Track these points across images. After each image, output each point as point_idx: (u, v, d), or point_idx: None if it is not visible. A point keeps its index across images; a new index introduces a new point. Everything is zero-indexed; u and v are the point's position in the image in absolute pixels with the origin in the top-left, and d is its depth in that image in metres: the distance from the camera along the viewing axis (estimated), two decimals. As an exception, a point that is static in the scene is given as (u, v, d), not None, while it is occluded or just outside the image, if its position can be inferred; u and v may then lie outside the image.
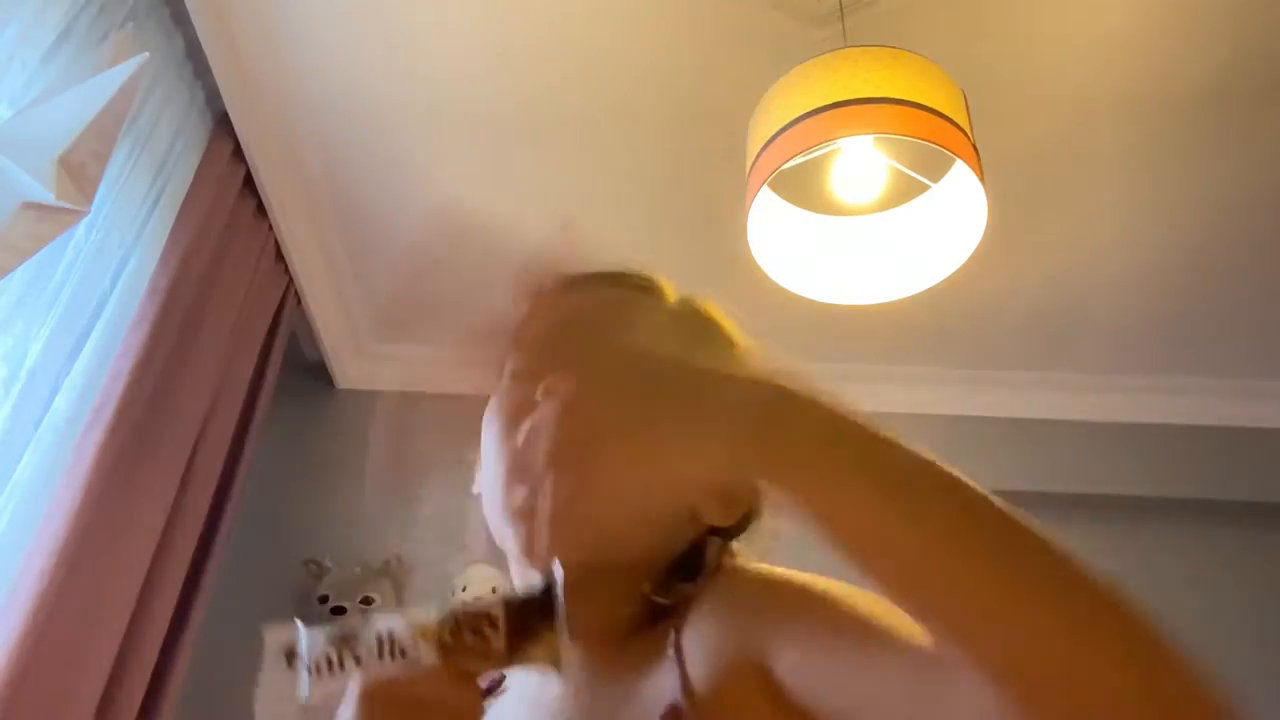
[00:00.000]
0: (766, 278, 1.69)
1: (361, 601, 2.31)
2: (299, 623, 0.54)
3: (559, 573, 0.52)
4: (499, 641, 0.52)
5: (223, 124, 2.01)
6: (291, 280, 2.37)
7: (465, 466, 0.77)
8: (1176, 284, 2.43)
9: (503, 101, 2.04)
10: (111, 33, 1.56)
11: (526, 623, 0.52)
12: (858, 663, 0.52)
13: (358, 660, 0.53)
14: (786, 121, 1.46)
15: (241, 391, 2.10)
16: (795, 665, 0.54)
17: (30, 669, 1.36)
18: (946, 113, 1.44)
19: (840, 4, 1.80)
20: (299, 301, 2.44)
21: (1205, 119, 2.03)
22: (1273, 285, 2.43)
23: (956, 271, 1.68)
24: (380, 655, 0.53)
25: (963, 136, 1.46)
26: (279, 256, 2.30)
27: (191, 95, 1.92)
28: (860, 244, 1.77)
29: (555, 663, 0.52)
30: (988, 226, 1.57)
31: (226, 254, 1.99)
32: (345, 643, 0.53)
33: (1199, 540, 2.60)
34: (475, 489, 0.74)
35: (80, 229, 1.60)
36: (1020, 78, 1.96)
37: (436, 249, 2.40)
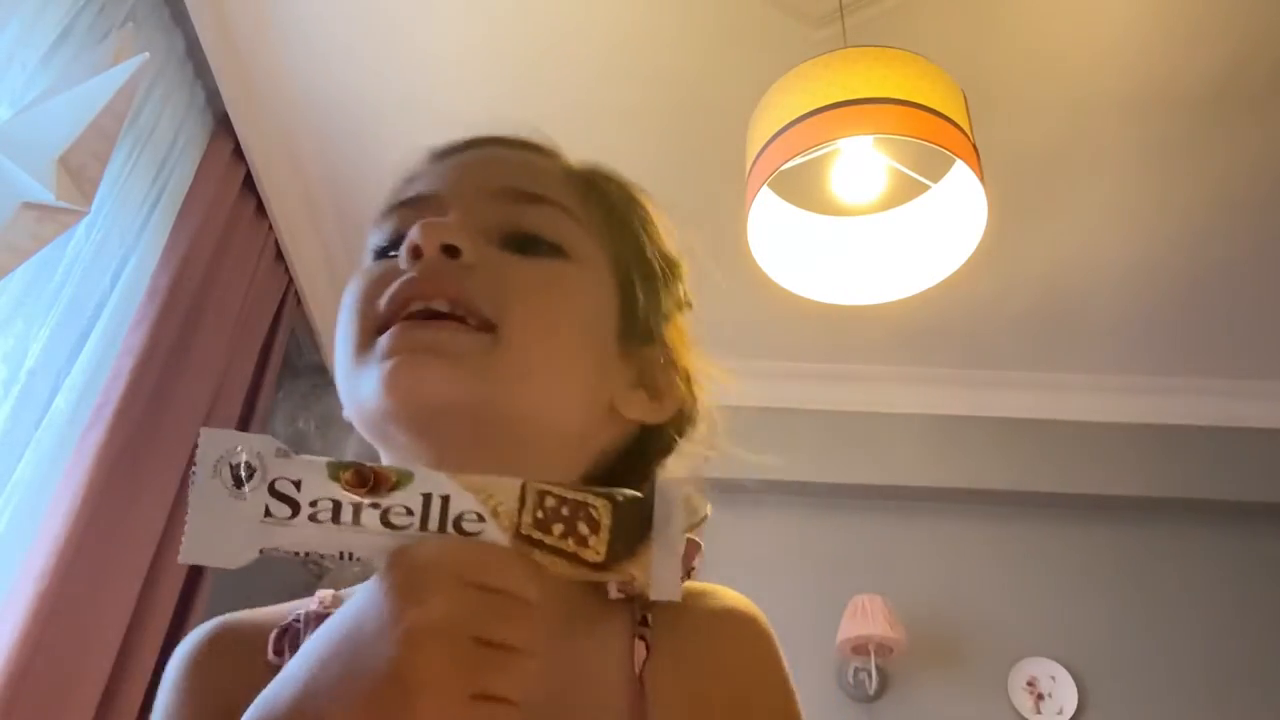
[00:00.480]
0: (766, 278, 1.69)
1: (361, 601, 2.31)
2: (270, 440, 0.40)
3: (673, 489, 0.42)
4: (598, 547, 0.41)
5: (223, 124, 2.01)
6: (291, 280, 2.37)
7: None
8: (1176, 284, 2.43)
9: (503, 102, 2.04)
10: (111, 32, 1.56)
11: (625, 531, 0.41)
12: None
13: (386, 518, 0.39)
14: (786, 122, 1.46)
15: (241, 391, 2.10)
16: None
17: (30, 669, 1.36)
18: (946, 113, 1.44)
19: (840, 4, 1.80)
20: (299, 301, 2.44)
21: (1205, 119, 2.03)
22: (1272, 285, 2.43)
23: (956, 271, 1.68)
24: (425, 524, 0.39)
25: (963, 137, 1.46)
26: (279, 256, 2.30)
27: (191, 95, 1.92)
28: (860, 244, 1.77)
29: (647, 585, 0.41)
30: (987, 226, 1.57)
31: (226, 254, 1.99)
32: (367, 485, 0.39)
33: (1198, 540, 2.60)
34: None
35: (80, 229, 1.60)
36: (1020, 78, 1.96)
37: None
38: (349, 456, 0.42)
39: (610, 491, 0.42)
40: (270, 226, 2.22)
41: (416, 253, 0.52)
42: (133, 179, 1.74)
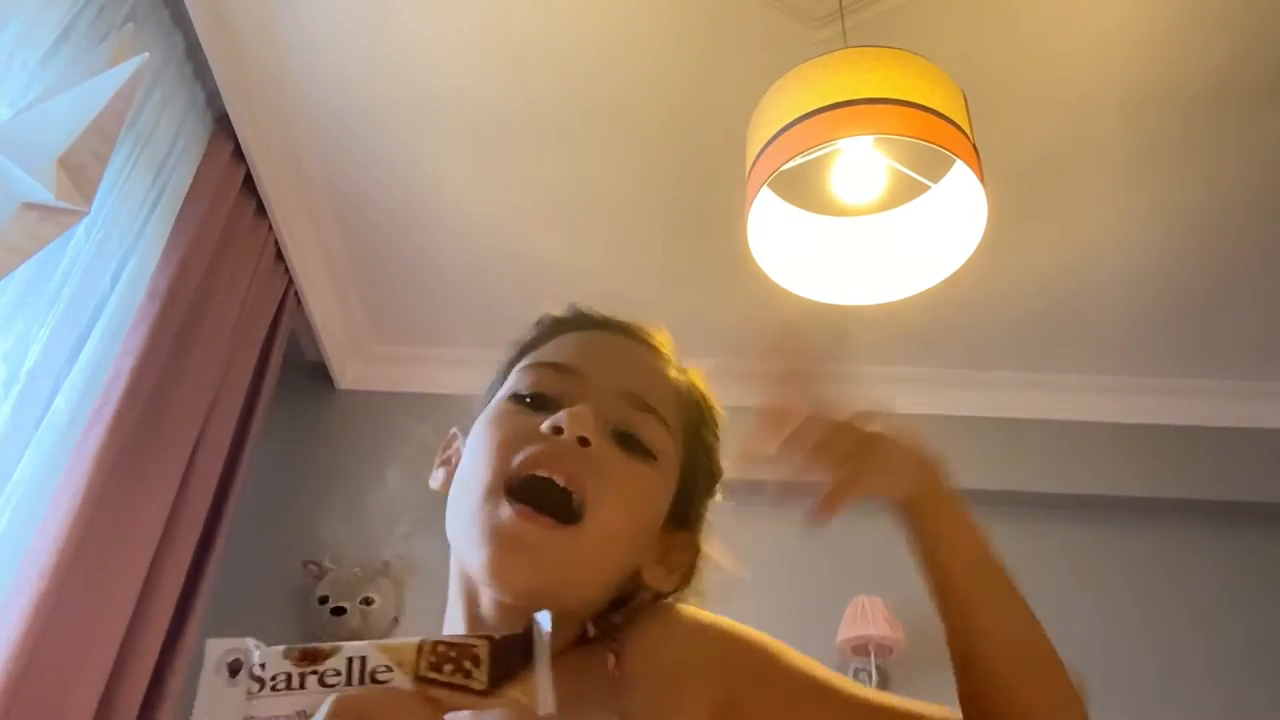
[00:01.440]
0: (766, 278, 1.69)
1: (362, 602, 2.32)
2: (251, 641, 0.53)
3: (545, 619, 0.52)
4: (481, 678, 0.51)
5: (223, 124, 2.01)
6: (291, 280, 2.37)
7: (428, 452, 0.79)
8: (1176, 284, 2.43)
9: (503, 101, 2.04)
10: (111, 33, 1.56)
11: (507, 663, 0.51)
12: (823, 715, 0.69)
13: (322, 680, 0.51)
14: (786, 122, 1.46)
15: (241, 392, 2.10)
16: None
17: (30, 669, 1.37)
18: (946, 113, 1.44)
19: (840, 4, 1.80)
20: (299, 302, 2.44)
21: (1205, 119, 2.03)
22: (1272, 286, 2.43)
23: (956, 271, 1.68)
24: (350, 679, 0.51)
25: (962, 137, 1.46)
26: (279, 256, 2.30)
27: (191, 95, 1.92)
28: (860, 244, 1.77)
29: (534, 704, 0.51)
30: (987, 227, 1.57)
31: (226, 254, 1.99)
32: (309, 659, 0.52)
33: (1198, 540, 2.60)
34: (434, 483, 0.76)
35: (80, 229, 1.60)
36: (1020, 78, 1.96)
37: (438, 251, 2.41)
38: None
39: (490, 634, 0.53)
40: (270, 226, 2.22)
41: (559, 431, 0.66)
42: (133, 179, 1.74)
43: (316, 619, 2.32)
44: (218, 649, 0.53)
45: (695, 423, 0.75)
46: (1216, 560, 2.58)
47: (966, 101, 1.53)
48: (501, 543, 0.64)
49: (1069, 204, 2.24)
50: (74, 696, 1.49)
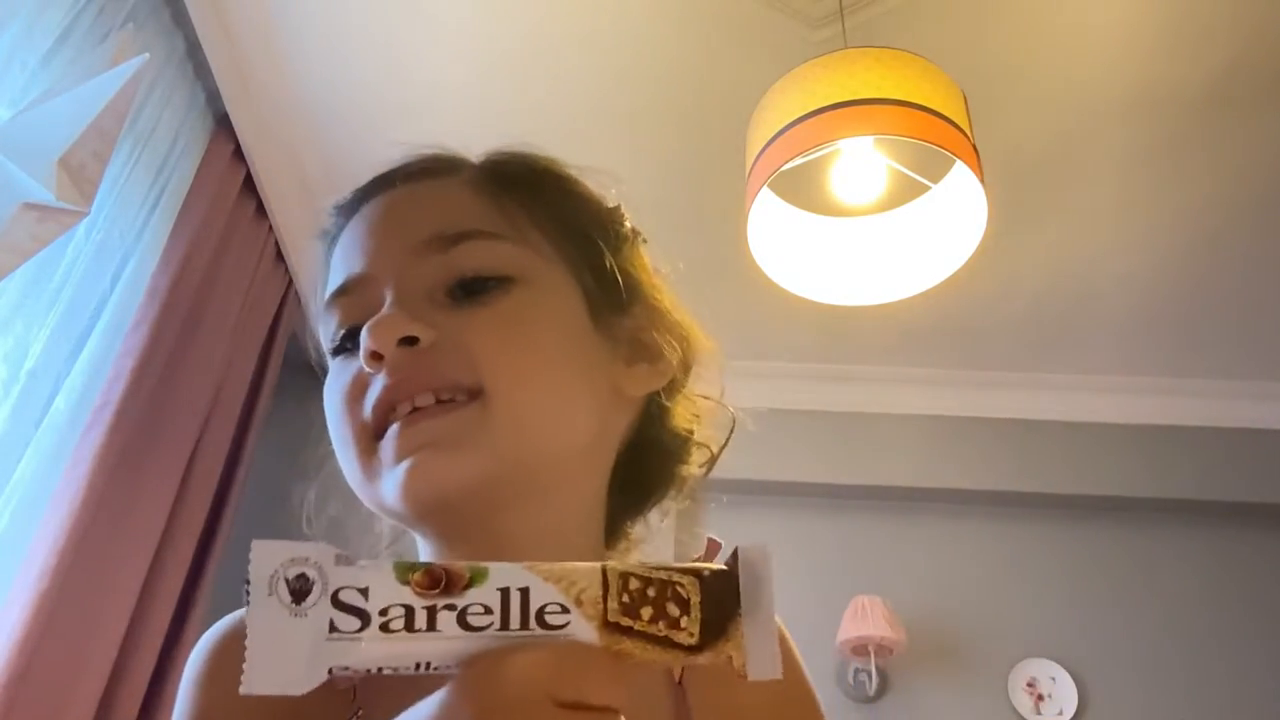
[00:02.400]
0: (766, 278, 1.69)
1: (361, 601, 2.31)
2: (326, 548, 0.37)
3: (760, 555, 0.39)
4: (692, 629, 0.37)
5: (223, 124, 2.01)
6: (291, 280, 2.37)
7: None
8: (1176, 284, 2.43)
9: (502, 101, 2.04)
10: (111, 33, 1.56)
11: (716, 608, 0.38)
12: None
13: (463, 619, 0.36)
14: (786, 122, 1.46)
15: (241, 392, 2.10)
16: None
17: (30, 669, 1.36)
18: (946, 113, 1.44)
19: (840, 5, 1.80)
20: (299, 301, 2.44)
21: (1205, 119, 2.03)
22: (1272, 286, 2.43)
23: (956, 272, 1.68)
24: (506, 621, 0.36)
25: (963, 137, 1.46)
26: (279, 256, 2.30)
27: (191, 95, 1.92)
28: (860, 244, 1.77)
29: (744, 665, 0.38)
30: (987, 227, 1.57)
31: (226, 254, 1.99)
32: (439, 586, 0.36)
33: (1199, 540, 2.60)
34: None
35: (80, 230, 1.60)
36: (1020, 79, 1.96)
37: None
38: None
39: (695, 566, 0.39)
40: (270, 227, 2.22)
41: (377, 357, 0.52)
42: (133, 179, 1.74)
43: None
44: (272, 556, 0.36)
45: (533, 199, 0.59)
46: (1216, 560, 2.58)
47: (966, 102, 1.53)
48: (406, 462, 0.51)
49: (1069, 204, 2.24)
50: (74, 696, 1.49)
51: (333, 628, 0.35)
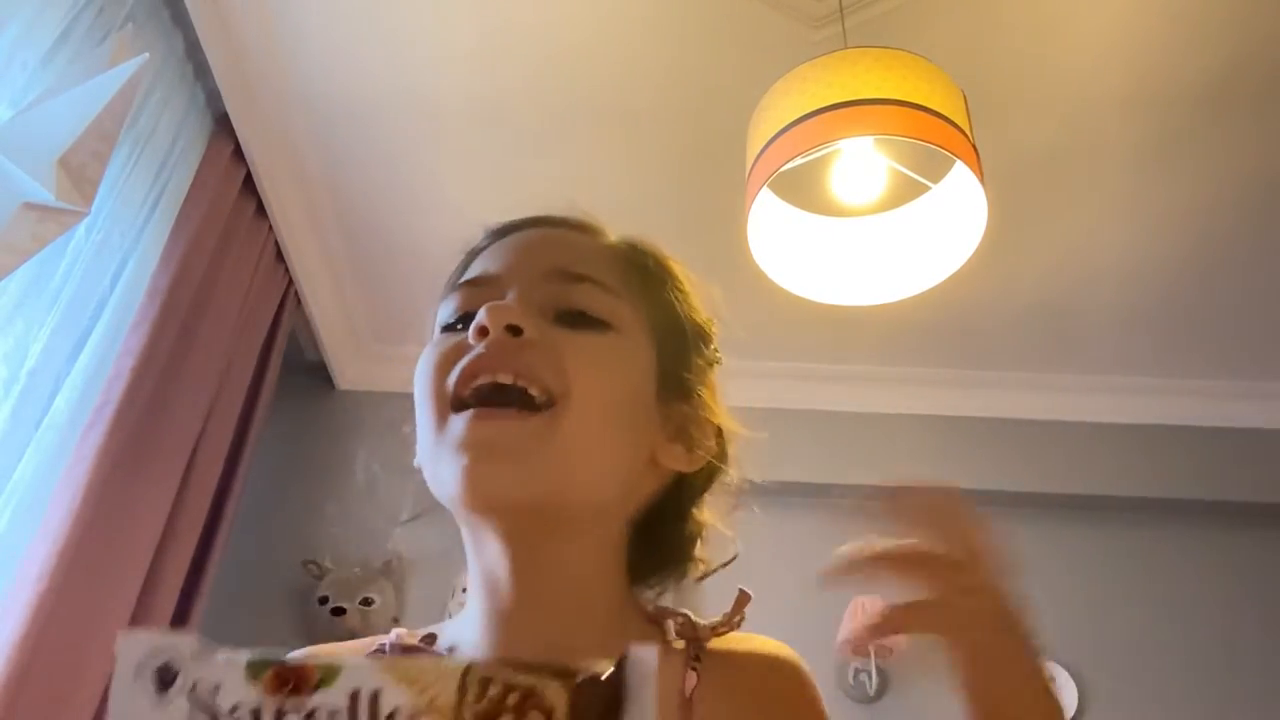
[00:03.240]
0: (766, 278, 1.69)
1: (361, 602, 2.32)
2: (186, 640, 0.37)
3: (649, 655, 0.36)
4: None
5: (223, 124, 2.01)
6: (291, 280, 2.37)
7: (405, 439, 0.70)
8: (1176, 284, 2.43)
9: (503, 102, 2.04)
10: (111, 33, 1.56)
11: (589, 716, 0.35)
12: None
13: None
14: (786, 122, 1.46)
15: (241, 391, 2.10)
16: None
17: (30, 669, 1.37)
18: (946, 113, 1.44)
19: (840, 4, 1.80)
20: (299, 301, 2.44)
21: (1205, 119, 2.03)
22: (1272, 285, 2.43)
23: (956, 272, 1.68)
24: None
25: (963, 137, 1.46)
26: (279, 256, 2.30)
27: (191, 95, 1.92)
28: (860, 244, 1.77)
29: None
30: (987, 227, 1.57)
31: (226, 254, 1.99)
32: (289, 685, 0.35)
33: (1199, 541, 2.60)
34: (416, 461, 0.67)
35: (80, 229, 1.60)
36: (1020, 78, 1.96)
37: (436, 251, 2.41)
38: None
39: (570, 669, 0.36)
40: (270, 226, 2.22)
41: (483, 332, 0.59)
42: (133, 179, 1.74)
43: (316, 619, 2.32)
44: (136, 647, 0.36)
45: (650, 281, 0.68)
46: (1216, 560, 2.58)
47: (966, 101, 1.53)
48: (469, 455, 0.56)
49: (1069, 204, 2.24)
50: (74, 696, 1.49)
51: None
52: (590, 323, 0.62)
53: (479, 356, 0.59)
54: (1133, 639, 2.46)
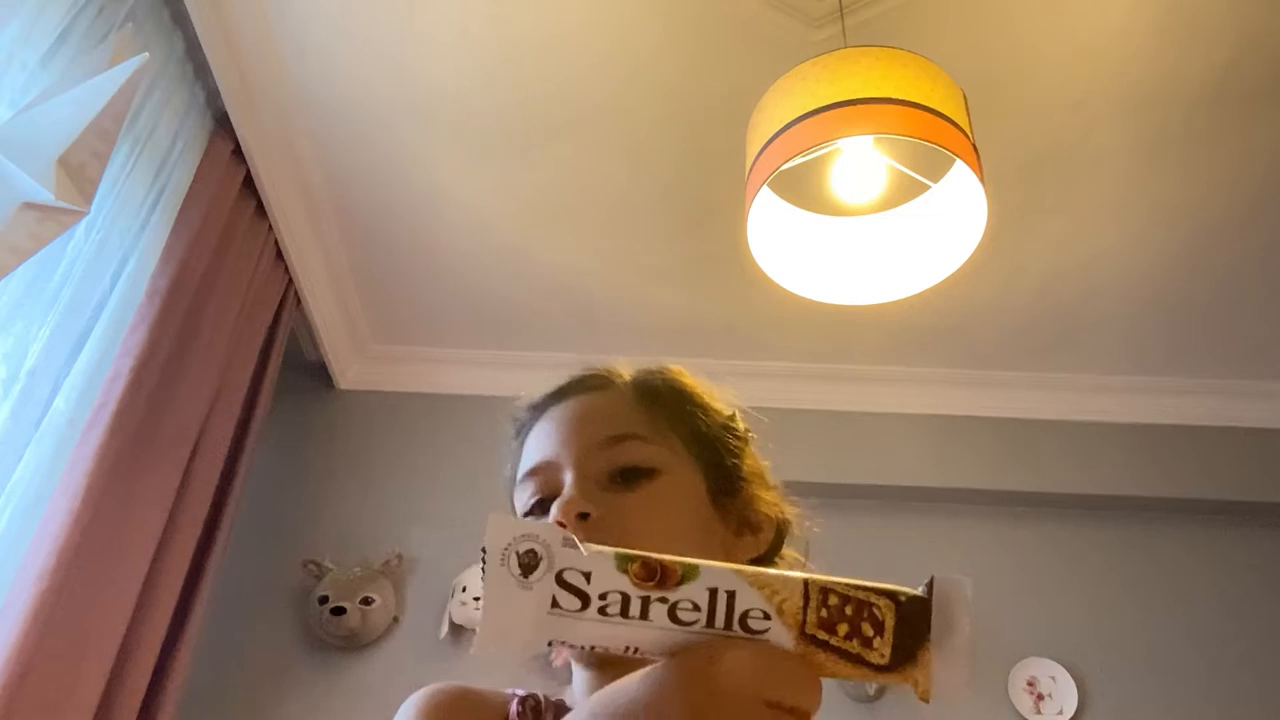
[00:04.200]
0: (766, 278, 1.69)
1: (362, 602, 2.31)
2: (557, 529, 0.41)
3: (965, 583, 0.42)
4: (883, 650, 0.40)
5: (223, 124, 2.01)
6: (291, 280, 2.37)
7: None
8: (1176, 284, 2.43)
9: (503, 102, 2.04)
10: (111, 33, 1.56)
11: (911, 633, 0.41)
12: None
13: (673, 613, 0.39)
14: (786, 122, 1.46)
15: (241, 391, 2.10)
16: None
17: (30, 669, 1.36)
18: (946, 113, 1.44)
19: (840, 4, 1.80)
20: (299, 301, 2.44)
21: (1205, 119, 2.03)
22: (1272, 286, 2.43)
23: (956, 271, 1.68)
24: (712, 619, 0.40)
25: (963, 137, 1.46)
26: (279, 256, 2.30)
27: (191, 95, 1.92)
28: (860, 244, 1.77)
29: (925, 692, 0.40)
30: (987, 227, 1.57)
31: (226, 254, 1.99)
32: (655, 579, 0.40)
33: (1198, 540, 2.60)
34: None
35: (80, 229, 1.60)
36: (1020, 78, 1.96)
37: (438, 251, 2.41)
38: None
39: (892, 590, 0.42)
40: (270, 226, 2.22)
41: (561, 525, 0.69)
42: (133, 179, 1.74)
43: (316, 619, 2.32)
44: (504, 530, 0.40)
45: (672, 410, 0.79)
46: (1216, 560, 2.58)
47: (966, 101, 1.53)
48: None
49: (1069, 204, 2.24)
50: (74, 696, 1.49)
51: (555, 604, 0.39)
52: (641, 473, 0.73)
53: None
54: (1133, 638, 2.46)
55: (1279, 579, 2.56)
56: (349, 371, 2.71)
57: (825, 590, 0.41)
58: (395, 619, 2.38)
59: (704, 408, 0.81)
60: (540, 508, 0.75)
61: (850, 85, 1.43)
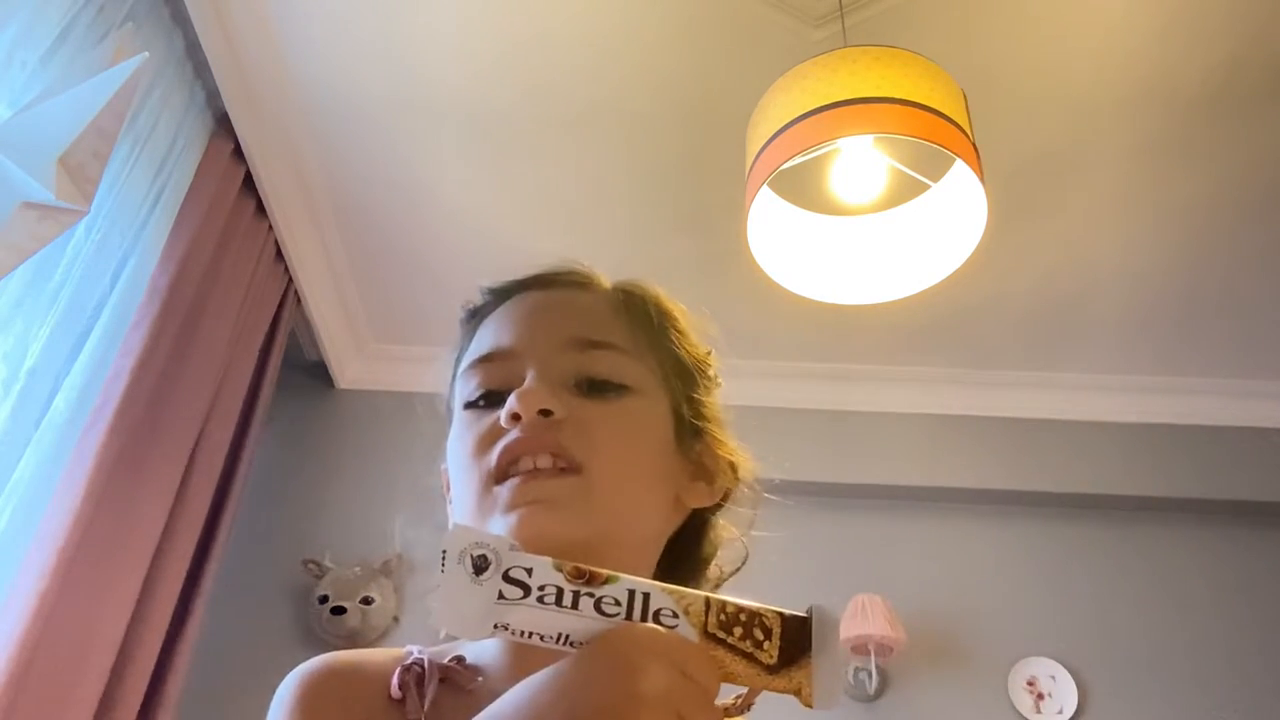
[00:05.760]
0: (766, 278, 1.69)
1: (362, 601, 2.32)
2: (504, 538, 0.49)
3: (831, 610, 0.49)
4: (771, 651, 0.48)
5: (223, 124, 2.01)
6: (291, 280, 2.37)
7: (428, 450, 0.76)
8: (1176, 284, 2.43)
9: (503, 101, 2.04)
10: (111, 32, 1.56)
11: (794, 643, 0.48)
12: None
13: (599, 606, 0.47)
14: (786, 121, 1.46)
15: (241, 391, 2.10)
16: None
17: (30, 669, 1.36)
18: (946, 112, 1.44)
19: (840, 4, 1.80)
20: (299, 301, 2.44)
21: (1205, 119, 2.03)
22: (1272, 285, 2.43)
23: (956, 271, 1.68)
24: (630, 613, 0.47)
25: (963, 136, 1.46)
26: (279, 256, 2.30)
27: (191, 95, 1.92)
28: (860, 244, 1.77)
29: (809, 697, 0.47)
30: (987, 226, 1.57)
31: (226, 254, 1.99)
32: (584, 578, 0.48)
33: (1198, 540, 2.60)
34: (444, 464, 0.72)
35: (80, 229, 1.60)
36: (1020, 78, 1.96)
37: (436, 250, 2.41)
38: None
39: (778, 609, 0.49)
40: (270, 226, 2.22)
41: (517, 417, 0.63)
42: (133, 179, 1.74)
43: (316, 618, 2.32)
44: (461, 539, 0.48)
45: (655, 331, 0.71)
46: (1216, 559, 2.58)
47: (966, 100, 1.53)
48: (522, 508, 0.61)
49: (1069, 204, 2.24)
50: (74, 696, 1.49)
51: (501, 596, 0.47)
52: (612, 388, 0.66)
53: (516, 441, 0.63)
54: (1133, 637, 2.46)
55: (1279, 579, 2.56)
56: (348, 371, 2.71)
57: (723, 603, 0.48)
58: (395, 618, 2.39)
59: (685, 338, 0.74)
60: (488, 401, 0.66)
61: (850, 85, 1.43)
